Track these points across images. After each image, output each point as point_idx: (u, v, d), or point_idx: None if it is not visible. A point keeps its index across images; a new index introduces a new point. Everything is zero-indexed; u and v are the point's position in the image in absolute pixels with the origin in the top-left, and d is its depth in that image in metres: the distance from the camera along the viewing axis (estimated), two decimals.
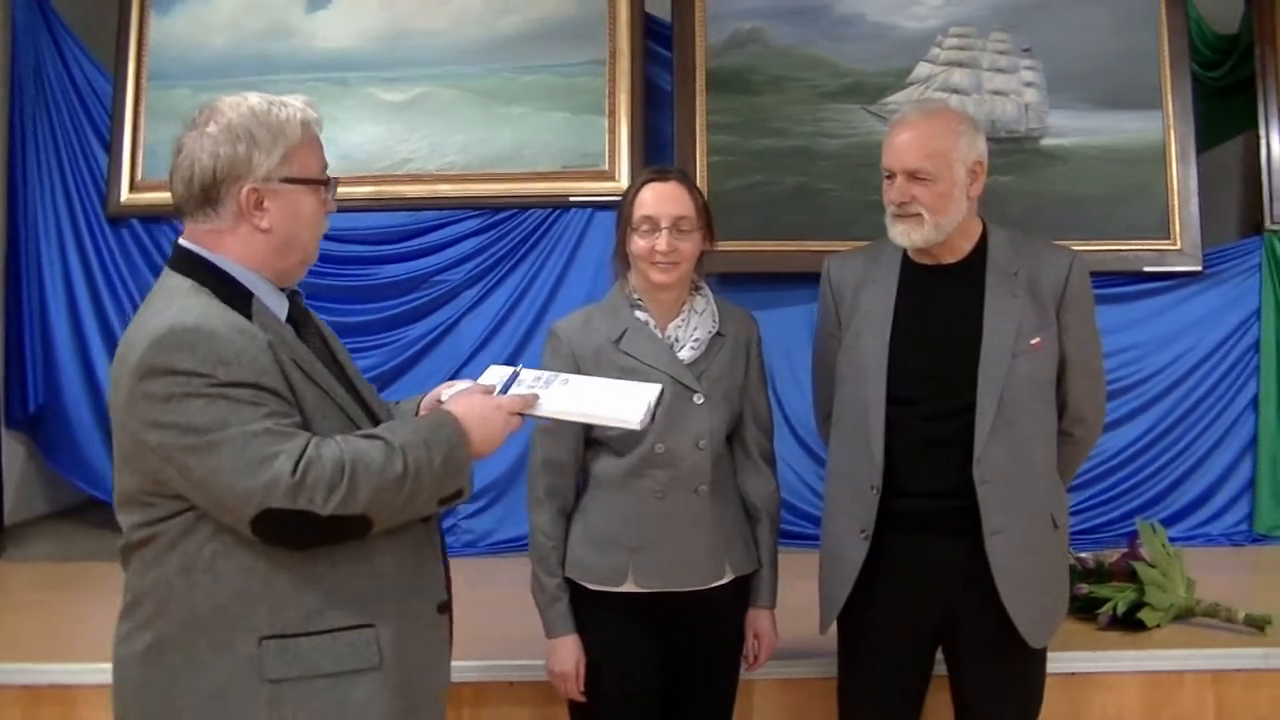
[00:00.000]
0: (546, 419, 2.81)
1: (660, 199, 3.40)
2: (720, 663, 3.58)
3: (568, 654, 3.41)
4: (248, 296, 2.49)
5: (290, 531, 2.36)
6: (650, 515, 3.37)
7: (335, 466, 2.34)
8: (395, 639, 2.52)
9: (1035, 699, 3.52)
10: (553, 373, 2.90)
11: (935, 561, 3.37)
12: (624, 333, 3.40)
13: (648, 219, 3.37)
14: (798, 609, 3.61)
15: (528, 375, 2.83)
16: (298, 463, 2.32)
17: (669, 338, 3.42)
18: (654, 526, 3.38)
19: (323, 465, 2.33)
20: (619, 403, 2.78)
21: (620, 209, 3.47)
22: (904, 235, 3.36)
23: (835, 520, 3.52)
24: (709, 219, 3.49)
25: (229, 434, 2.30)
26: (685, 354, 3.41)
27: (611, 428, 2.91)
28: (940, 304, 3.42)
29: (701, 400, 3.37)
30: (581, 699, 3.44)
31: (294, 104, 2.58)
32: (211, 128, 2.47)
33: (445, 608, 2.68)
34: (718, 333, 3.48)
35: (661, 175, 3.49)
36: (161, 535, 2.41)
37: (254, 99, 2.53)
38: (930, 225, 3.32)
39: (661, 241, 3.35)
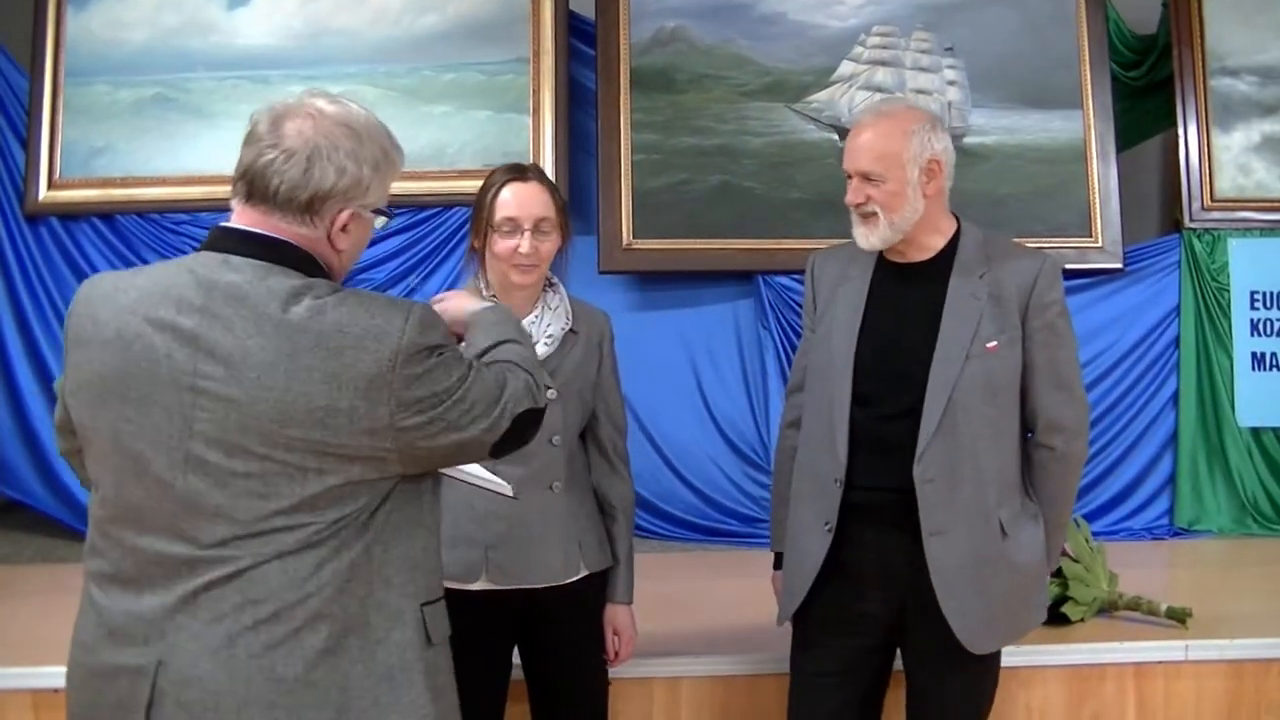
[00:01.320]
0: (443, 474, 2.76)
1: (522, 200, 3.36)
2: (584, 659, 3.56)
3: None
4: None
5: (527, 432, 2.48)
6: (504, 512, 3.32)
7: (524, 371, 2.49)
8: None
9: (980, 705, 3.51)
10: None
11: (887, 555, 3.37)
12: None
13: (510, 220, 3.33)
14: (727, 606, 3.61)
15: None
16: (513, 370, 2.46)
17: None
18: (508, 523, 3.35)
19: (521, 372, 2.48)
20: (486, 469, 2.82)
21: (477, 206, 3.42)
22: (864, 237, 3.38)
23: (800, 513, 3.51)
24: (566, 218, 3.48)
25: (471, 376, 2.37)
26: (539, 350, 3.35)
27: (490, 490, 2.89)
28: (904, 302, 3.42)
29: (554, 395, 3.33)
30: None
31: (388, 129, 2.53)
32: (346, 143, 2.37)
33: None
34: (571, 329, 3.48)
35: (521, 174, 3.43)
36: (345, 528, 2.33)
37: (370, 114, 2.46)
38: (885, 224, 3.32)
39: (524, 244, 3.32)
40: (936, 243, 3.41)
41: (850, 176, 3.38)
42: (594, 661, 3.58)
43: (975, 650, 3.32)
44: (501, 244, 3.34)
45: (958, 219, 3.47)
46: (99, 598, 2.39)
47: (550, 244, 3.39)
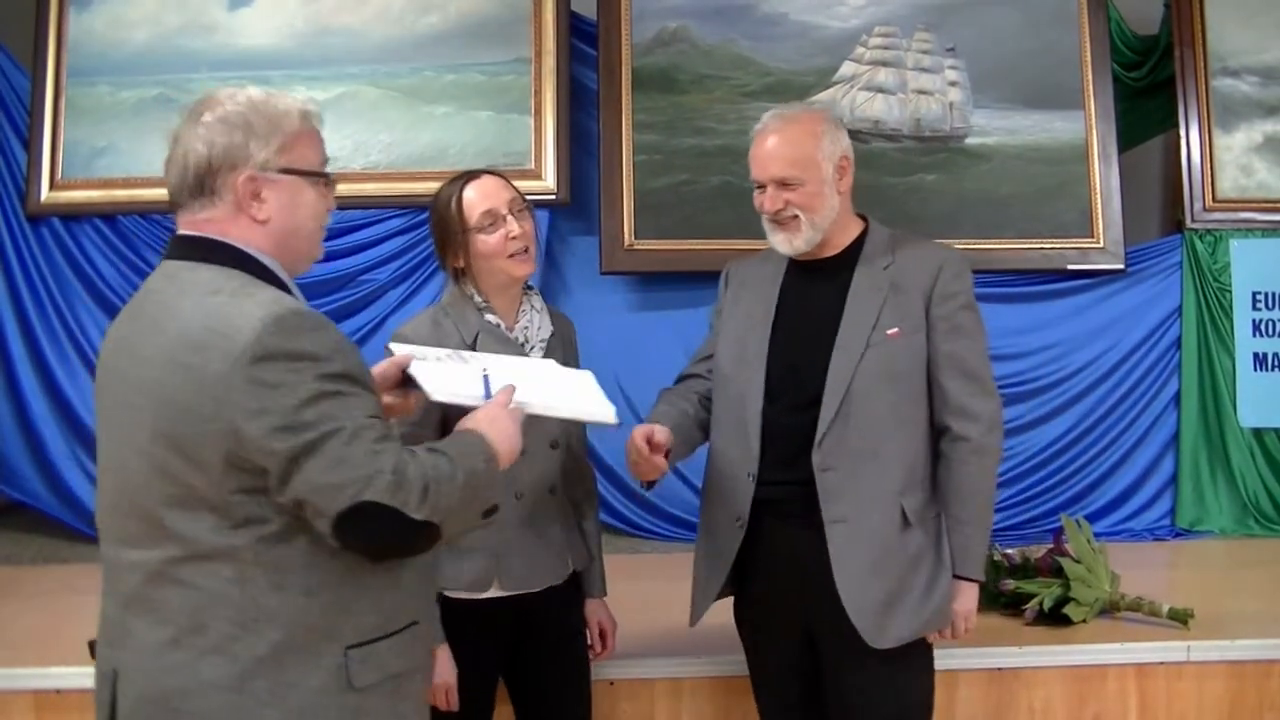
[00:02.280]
0: (536, 413, 2.73)
1: (487, 191, 3.36)
2: (570, 657, 3.57)
3: (447, 664, 3.30)
4: (286, 290, 2.43)
5: (375, 530, 2.27)
6: (511, 518, 3.29)
7: (420, 473, 2.28)
8: (426, 634, 2.55)
9: (901, 710, 3.44)
10: (463, 353, 2.91)
11: (796, 550, 3.36)
12: (477, 335, 3.32)
13: (488, 213, 3.32)
14: (729, 606, 3.60)
15: (435, 353, 2.82)
16: (396, 463, 2.26)
17: (516, 339, 3.38)
18: (515, 529, 3.33)
19: (416, 468, 2.28)
20: (584, 398, 2.79)
21: (442, 224, 3.40)
22: (786, 243, 3.40)
23: (711, 511, 3.53)
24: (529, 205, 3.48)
25: (339, 424, 2.22)
26: (535, 355, 3.38)
27: (589, 423, 2.87)
28: (809, 296, 3.45)
29: None
30: (456, 709, 3.35)
31: (294, 96, 2.51)
32: (208, 117, 2.39)
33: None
34: (552, 333, 3.48)
35: (473, 174, 3.44)
36: (243, 547, 2.25)
37: (253, 90, 2.46)
38: (807, 225, 3.36)
39: (514, 226, 3.32)
40: (844, 239, 3.46)
41: (761, 186, 3.41)
42: (579, 658, 3.61)
43: (874, 643, 3.28)
44: (489, 240, 3.33)
45: (865, 219, 3.52)
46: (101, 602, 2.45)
47: (530, 224, 3.39)
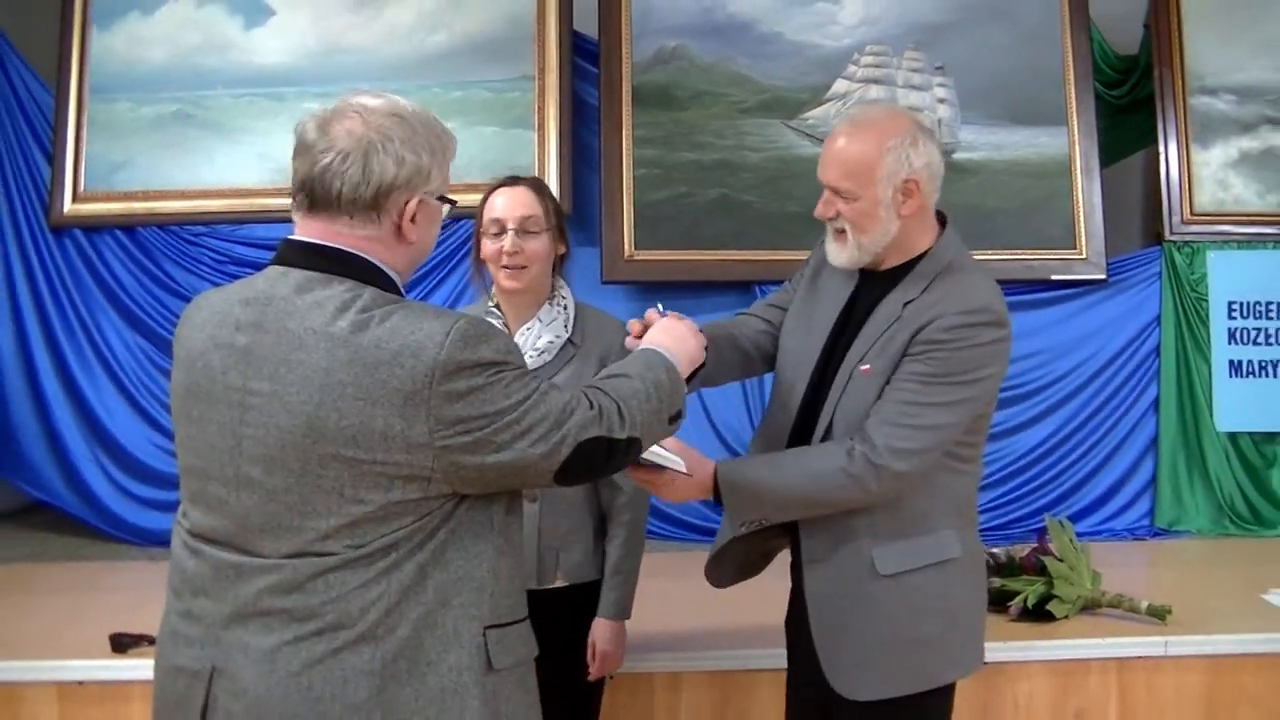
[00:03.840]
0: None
1: (507, 202, 3.40)
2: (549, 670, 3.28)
3: None
4: None
5: (596, 461, 2.35)
6: None
7: (608, 397, 2.38)
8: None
9: None
10: None
11: (798, 578, 3.19)
12: None
13: (496, 221, 3.38)
14: (726, 604, 3.66)
15: None
16: (588, 398, 2.35)
17: None
18: None
19: (604, 396, 2.37)
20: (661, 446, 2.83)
21: (476, 219, 3.48)
22: (835, 254, 3.06)
23: None
24: (560, 223, 3.50)
25: (532, 399, 2.25)
26: (527, 362, 3.19)
27: (667, 466, 2.83)
28: (854, 314, 3.10)
29: None
30: None
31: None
32: (399, 132, 2.29)
33: None
34: (570, 340, 3.45)
35: (512, 181, 3.48)
36: (399, 545, 2.23)
37: (404, 102, 2.37)
38: (854, 245, 3.00)
39: (507, 242, 3.35)
40: (906, 255, 3.04)
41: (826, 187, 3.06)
42: (562, 672, 3.45)
43: (848, 695, 3.01)
44: (489, 246, 3.39)
45: (943, 229, 3.10)
46: (172, 600, 2.39)
47: (538, 244, 3.40)
